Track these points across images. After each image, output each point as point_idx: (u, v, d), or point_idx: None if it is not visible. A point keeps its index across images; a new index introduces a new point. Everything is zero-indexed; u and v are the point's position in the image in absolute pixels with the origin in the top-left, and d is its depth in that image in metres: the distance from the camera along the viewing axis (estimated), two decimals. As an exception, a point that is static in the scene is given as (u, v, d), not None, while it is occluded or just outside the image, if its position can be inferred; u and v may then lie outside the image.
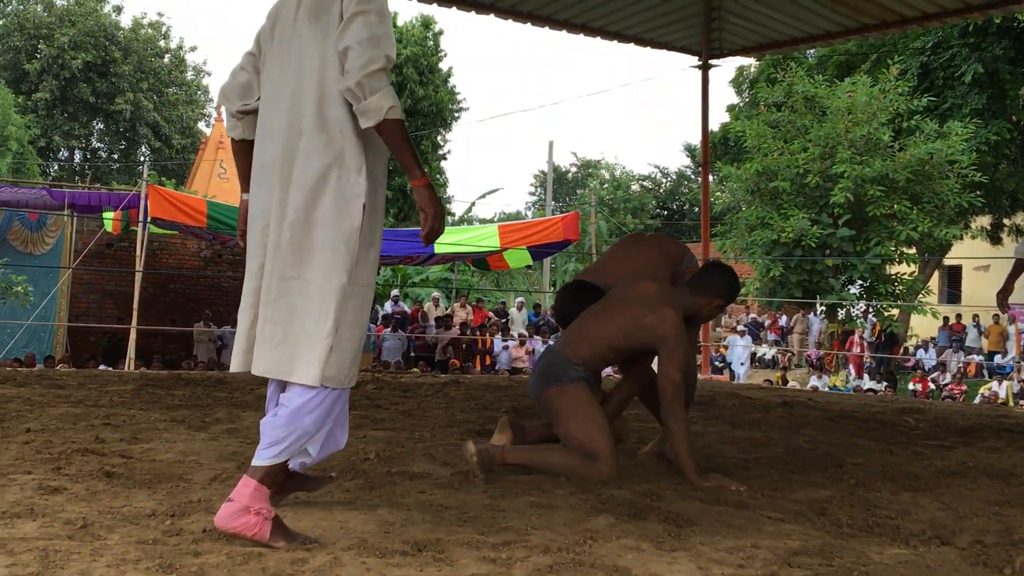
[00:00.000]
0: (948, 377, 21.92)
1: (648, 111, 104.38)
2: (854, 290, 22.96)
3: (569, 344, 4.56)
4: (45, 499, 3.36)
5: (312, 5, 3.13)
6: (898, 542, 3.41)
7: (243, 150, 3.35)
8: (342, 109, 3.07)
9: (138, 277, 16.09)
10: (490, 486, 4.00)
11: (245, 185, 3.34)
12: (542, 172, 40.92)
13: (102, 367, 15.23)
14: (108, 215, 17.20)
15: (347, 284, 3.04)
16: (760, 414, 7.27)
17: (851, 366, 22.42)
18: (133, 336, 15.38)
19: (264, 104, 3.24)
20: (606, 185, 55.01)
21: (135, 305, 15.62)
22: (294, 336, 3.03)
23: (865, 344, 22.82)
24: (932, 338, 25.03)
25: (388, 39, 3.06)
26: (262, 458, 3.06)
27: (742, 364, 23.11)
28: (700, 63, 11.50)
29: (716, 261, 5.36)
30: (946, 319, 24.62)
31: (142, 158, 42.81)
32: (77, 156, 45.51)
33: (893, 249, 21.59)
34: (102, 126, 44.27)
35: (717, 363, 22.89)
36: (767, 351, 25.95)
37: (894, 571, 3.01)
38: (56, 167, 44.45)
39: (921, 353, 24.26)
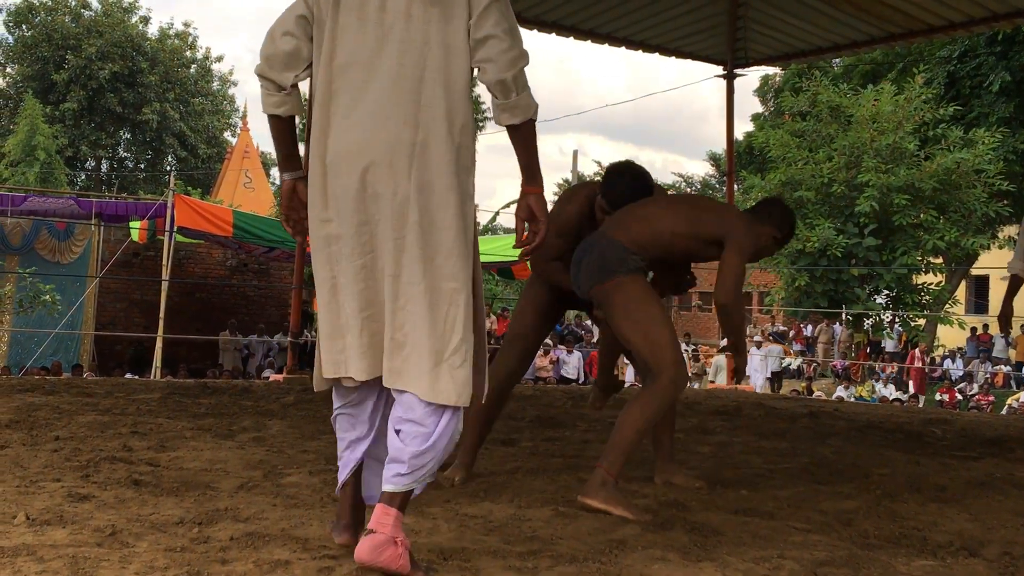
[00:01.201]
0: (975, 387, 21.76)
1: (673, 120, 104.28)
2: (880, 300, 22.84)
3: (624, 229, 4.15)
4: (74, 506, 3.39)
5: None
6: (925, 553, 3.39)
7: (287, 127, 3.00)
8: (466, 103, 2.85)
9: (164, 286, 16.20)
10: (516, 496, 4.00)
11: (287, 164, 3.02)
12: (567, 181, 41.07)
13: (128, 375, 15.34)
14: (135, 224, 17.35)
15: (471, 293, 2.84)
16: (786, 424, 7.25)
17: (910, 381, 22.04)
18: (159, 345, 15.48)
19: (340, 82, 2.84)
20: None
21: (161, 314, 15.72)
22: (428, 349, 2.77)
23: (924, 359, 22.59)
24: (960, 348, 24.85)
25: (519, 31, 2.86)
26: (400, 484, 2.79)
27: (757, 372, 22.61)
28: (725, 72, 11.47)
29: (773, 197, 5.11)
30: (973, 329, 24.44)
31: (168, 168, 43.06)
32: (104, 166, 45.82)
33: (919, 259, 21.47)
34: (129, 136, 44.53)
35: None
36: (791, 361, 25.83)
37: (921, 582, 3.00)
38: (83, 177, 44.78)
39: (948, 363, 24.09)
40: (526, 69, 2.85)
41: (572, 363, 20.67)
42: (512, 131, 2.87)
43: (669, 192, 5.12)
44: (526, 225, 2.96)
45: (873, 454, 5.82)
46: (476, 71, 2.86)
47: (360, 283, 2.83)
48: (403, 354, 2.79)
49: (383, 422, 2.97)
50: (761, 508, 4.02)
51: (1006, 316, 5.87)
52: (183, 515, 3.34)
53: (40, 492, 3.59)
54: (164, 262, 16.52)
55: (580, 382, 18.86)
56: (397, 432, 2.80)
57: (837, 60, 24.85)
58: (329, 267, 2.87)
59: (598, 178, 5.03)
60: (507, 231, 32.49)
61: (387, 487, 2.80)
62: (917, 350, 22.66)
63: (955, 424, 7.76)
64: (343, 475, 3.04)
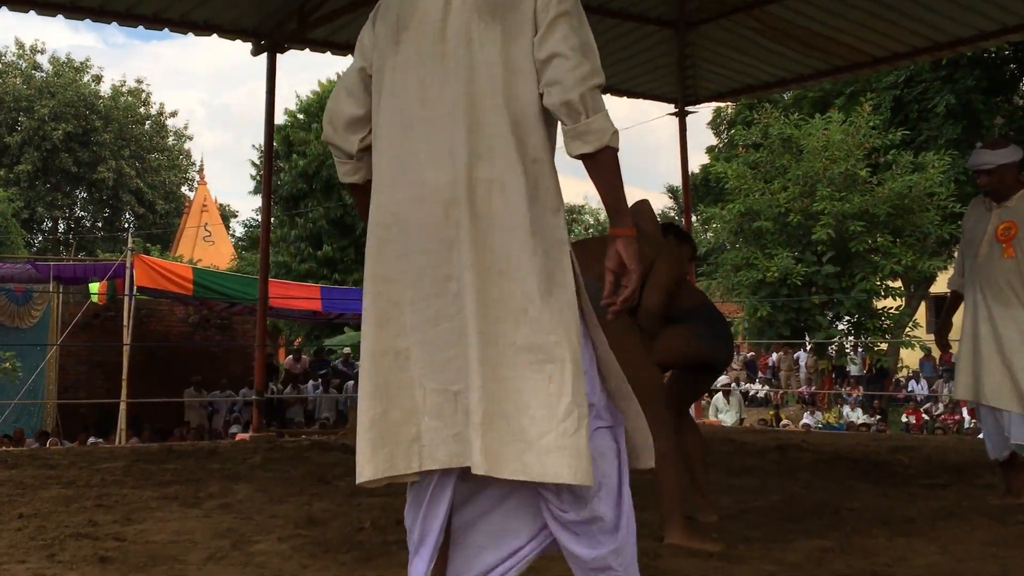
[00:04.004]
0: (941, 408, 21.93)
1: (629, 155, 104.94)
2: (842, 326, 23.02)
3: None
4: (40, 590, 3.34)
5: (487, 1, 2.47)
6: (896, 591, 3.41)
7: (358, 192, 2.72)
8: (540, 132, 2.47)
9: (126, 350, 16.05)
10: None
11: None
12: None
13: (92, 440, 15.16)
14: (94, 286, 17.21)
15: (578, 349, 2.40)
16: (754, 460, 7.28)
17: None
18: (123, 408, 15.33)
19: (399, 124, 2.54)
20: (591, 230, 55.18)
21: (124, 377, 15.57)
22: (539, 422, 2.33)
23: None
24: (915, 371, 25.10)
25: (595, 48, 2.46)
26: None
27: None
28: (676, 110, 11.61)
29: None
30: (929, 351, 24.68)
31: (126, 225, 42.84)
32: (61, 226, 45.51)
33: (878, 284, 21.68)
34: (85, 195, 44.34)
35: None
36: (759, 389, 25.94)
37: (893, 623, 3.01)
38: (40, 238, 44.45)
39: (913, 385, 24.27)
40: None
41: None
42: (588, 162, 2.44)
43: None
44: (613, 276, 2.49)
45: (842, 488, 5.85)
46: (543, 96, 2.46)
47: (441, 351, 2.43)
48: (510, 429, 2.34)
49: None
50: (733, 552, 4.03)
51: (942, 332, 5.92)
52: (151, 593, 3.30)
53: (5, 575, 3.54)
54: (125, 323, 16.37)
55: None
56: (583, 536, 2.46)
57: (787, 92, 25.16)
58: (393, 336, 2.47)
59: None
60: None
61: None
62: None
63: (921, 451, 7.82)
64: None
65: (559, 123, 2.47)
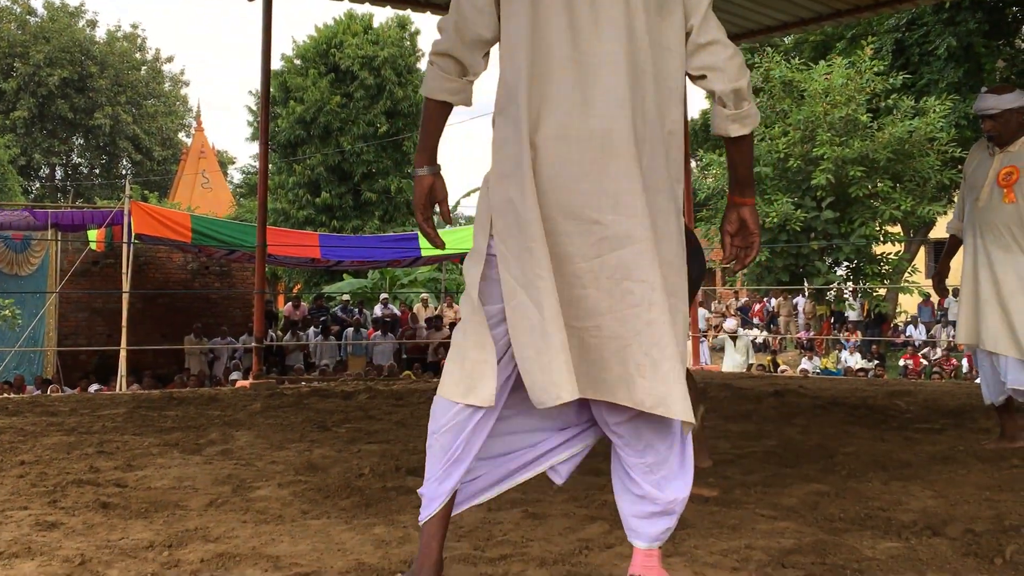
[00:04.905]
0: (939, 352, 22.02)
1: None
2: (840, 271, 23.03)
3: None
4: (42, 535, 3.37)
5: None
6: (890, 535, 3.44)
7: (446, 117, 2.65)
8: (679, 108, 2.61)
9: (125, 297, 16.06)
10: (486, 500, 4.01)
11: (430, 158, 2.65)
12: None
13: (94, 387, 15.23)
14: (92, 233, 17.20)
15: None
16: (752, 405, 7.32)
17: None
18: (123, 355, 15.38)
19: (548, 67, 2.49)
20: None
21: (124, 324, 15.61)
22: (673, 362, 2.49)
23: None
24: (914, 316, 25.15)
25: None
26: (666, 535, 2.69)
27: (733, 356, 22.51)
28: (677, 55, 11.51)
29: None
30: (927, 296, 24.70)
31: (124, 172, 42.74)
32: (58, 173, 45.40)
33: (877, 229, 21.66)
34: (82, 142, 44.22)
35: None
36: (756, 335, 26.05)
37: (886, 566, 3.04)
38: (38, 185, 44.34)
39: (911, 330, 24.34)
40: None
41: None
42: (738, 142, 2.65)
43: None
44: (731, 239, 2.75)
45: (838, 432, 5.89)
46: (697, 79, 2.61)
47: (582, 288, 2.49)
48: (661, 374, 2.46)
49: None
50: (729, 497, 4.06)
51: (941, 275, 5.92)
52: (152, 538, 3.33)
53: (7, 522, 3.56)
54: (124, 272, 16.37)
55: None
56: (644, 472, 2.62)
57: (787, 36, 24.96)
58: (532, 269, 2.47)
59: None
60: (468, 220, 32.44)
61: (648, 542, 2.66)
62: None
63: (918, 396, 7.86)
64: (431, 510, 2.66)
65: (716, 105, 2.60)
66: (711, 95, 2.61)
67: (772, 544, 3.29)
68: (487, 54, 2.62)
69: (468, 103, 2.63)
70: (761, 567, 3.04)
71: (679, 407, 2.46)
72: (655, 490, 2.62)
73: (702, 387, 8.41)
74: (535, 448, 2.79)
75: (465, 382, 2.56)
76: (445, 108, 2.61)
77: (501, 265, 2.52)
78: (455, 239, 17.54)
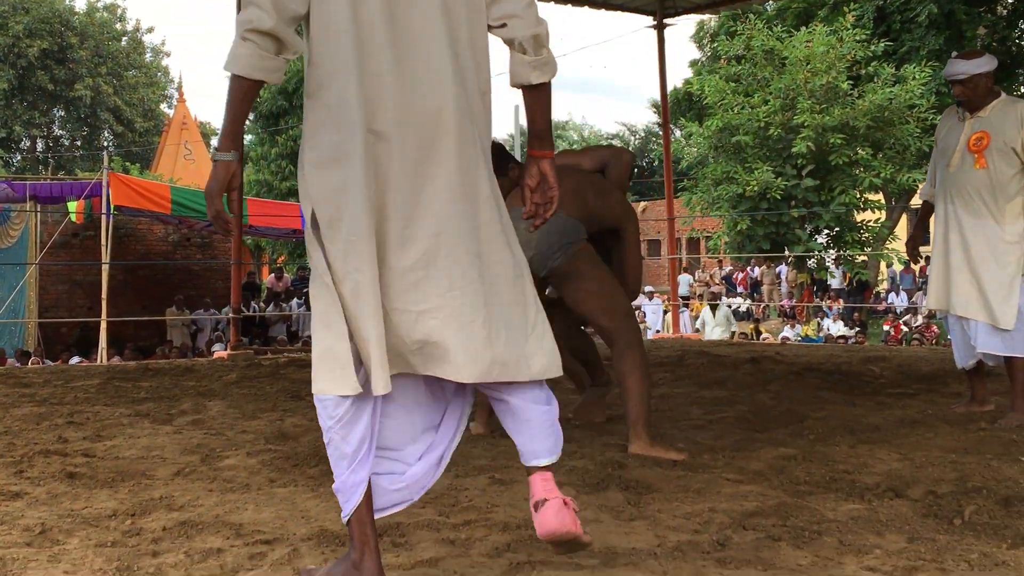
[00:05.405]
0: (920, 319, 22.10)
1: (613, 70, 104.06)
2: (821, 239, 23.09)
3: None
4: (5, 505, 3.36)
5: None
6: (853, 497, 3.47)
7: (254, 97, 2.52)
8: (488, 65, 2.58)
9: (105, 269, 16.00)
10: (453, 465, 4.01)
11: (235, 142, 2.47)
12: (510, 136, 40.88)
13: (74, 359, 15.19)
14: (72, 205, 17.09)
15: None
16: (727, 372, 7.34)
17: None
18: (104, 327, 15.33)
19: (370, 41, 2.41)
20: (575, 146, 54.94)
21: (104, 296, 15.55)
22: (523, 326, 2.53)
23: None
24: (896, 283, 25.24)
25: None
26: (556, 455, 2.62)
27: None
28: (655, 23, 11.47)
29: None
30: (908, 263, 24.80)
31: (105, 144, 42.47)
32: (39, 145, 45.10)
33: (857, 197, 21.70)
34: (63, 113, 43.89)
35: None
36: (739, 304, 26.11)
37: (845, 527, 3.06)
38: (19, 157, 44.05)
39: (892, 297, 24.43)
40: None
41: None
42: (537, 91, 2.60)
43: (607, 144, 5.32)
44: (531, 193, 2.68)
45: (810, 398, 5.91)
46: (496, 28, 2.56)
47: (420, 271, 2.45)
48: (502, 338, 2.47)
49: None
50: (697, 461, 4.08)
51: (915, 240, 5.93)
52: (116, 507, 3.33)
53: (-30, 492, 3.56)
54: (103, 243, 16.29)
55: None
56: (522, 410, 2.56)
57: (769, 2, 24.90)
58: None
59: None
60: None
61: (543, 460, 2.58)
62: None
63: (893, 361, 7.89)
64: (354, 502, 2.51)
65: (516, 53, 2.55)
66: (510, 44, 2.55)
67: (735, 507, 3.31)
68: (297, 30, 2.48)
69: (280, 81, 2.50)
70: (722, 529, 3.05)
71: (498, 370, 2.45)
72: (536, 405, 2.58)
73: (679, 355, 8.45)
74: (434, 430, 2.69)
75: (344, 372, 2.48)
76: (258, 87, 2.46)
77: (328, 256, 2.43)
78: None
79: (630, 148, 57.18)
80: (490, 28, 2.56)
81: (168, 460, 4.16)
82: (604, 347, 4.76)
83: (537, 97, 2.61)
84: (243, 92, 2.42)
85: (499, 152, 4.50)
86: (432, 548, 2.88)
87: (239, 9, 2.38)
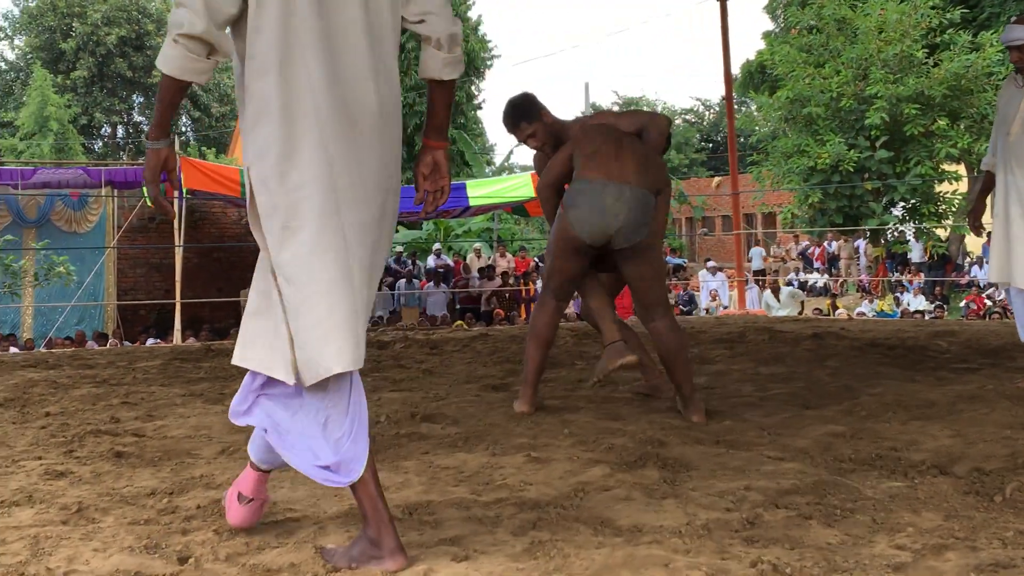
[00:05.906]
0: (1003, 293, 21.57)
1: (686, 43, 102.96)
2: (896, 212, 22.61)
3: (637, 177, 4.41)
4: (48, 484, 3.43)
5: None
6: (897, 474, 3.39)
7: (186, 90, 2.57)
8: (396, 56, 2.67)
9: (179, 252, 16.27)
10: (492, 443, 4.01)
11: (165, 132, 2.57)
12: (582, 113, 40.78)
13: (151, 341, 15.49)
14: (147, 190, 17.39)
15: None
16: (787, 348, 7.22)
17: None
18: (179, 309, 15.62)
19: (304, 39, 2.49)
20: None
21: (178, 278, 15.84)
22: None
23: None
24: (979, 256, 24.61)
25: None
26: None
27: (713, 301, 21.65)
28: (718, -6, 11.31)
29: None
30: (989, 234, 24.20)
31: (183, 128, 43.15)
32: (120, 131, 45.96)
33: (933, 168, 21.20)
34: (142, 100, 44.61)
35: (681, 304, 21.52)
36: (816, 279, 25.73)
37: (881, 505, 3.00)
38: (100, 144, 44.94)
39: (976, 270, 23.87)
40: None
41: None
42: (444, 86, 2.76)
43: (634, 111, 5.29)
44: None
45: (869, 373, 5.79)
46: (414, 24, 2.69)
47: (358, 256, 2.59)
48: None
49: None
50: (742, 439, 4.03)
51: (977, 212, 5.77)
52: (156, 486, 3.38)
53: (19, 472, 3.63)
54: (176, 227, 16.56)
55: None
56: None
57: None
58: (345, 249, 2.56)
59: (615, 107, 5.01)
60: (523, 169, 32.30)
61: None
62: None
63: (961, 336, 7.71)
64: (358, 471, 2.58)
65: (431, 48, 2.71)
66: (427, 40, 2.70)
67: (771, 485, 3.25)
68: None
69: (206, 81, 2.54)
70: (754, 507, 3.00)
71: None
72: None
73: (740, 331, 8.33)
74: None
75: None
76: (187, 86, 2.53)
77: (272, 249, 2.58)
78: (508, 187, 17.50)
79: (704, 123, 56.60)
80: (407, 23, 2.70)
81: (215, 439, 4.21)
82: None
83: (443, 93, 2.78)
84: (173, 90, 2.53)
85: (530, 100, 4.74)
86: (458, 526, 2.88)
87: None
